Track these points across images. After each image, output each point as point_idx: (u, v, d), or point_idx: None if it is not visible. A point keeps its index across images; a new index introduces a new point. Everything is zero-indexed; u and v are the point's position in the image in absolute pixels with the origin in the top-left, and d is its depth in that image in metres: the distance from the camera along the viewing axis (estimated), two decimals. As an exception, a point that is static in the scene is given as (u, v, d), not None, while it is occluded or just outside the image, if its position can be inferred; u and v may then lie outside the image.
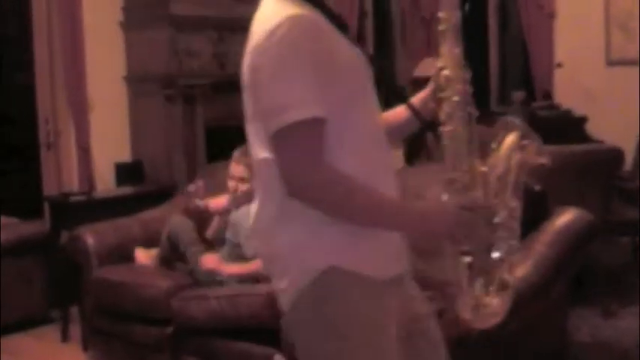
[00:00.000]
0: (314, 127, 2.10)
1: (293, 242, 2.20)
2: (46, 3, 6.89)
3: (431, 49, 10.16)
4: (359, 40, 9.44)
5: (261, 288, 4.17)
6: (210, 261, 4.64)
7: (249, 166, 4.42)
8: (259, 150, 2.23)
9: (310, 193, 2.12)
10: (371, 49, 9.85)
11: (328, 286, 2.18)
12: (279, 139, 2.11)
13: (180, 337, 4.56)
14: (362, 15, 9.60)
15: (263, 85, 2.14)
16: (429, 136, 8.21)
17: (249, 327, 4.25)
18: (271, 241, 2.25)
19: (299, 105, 2.09)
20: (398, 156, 9.19)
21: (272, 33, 2.11)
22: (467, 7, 10.14)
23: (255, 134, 2.24)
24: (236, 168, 4.67)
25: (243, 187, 4.59)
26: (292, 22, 2.12)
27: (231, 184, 4.73)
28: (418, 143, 8.65)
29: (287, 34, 2.11)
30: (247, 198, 4.43)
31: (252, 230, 2.33)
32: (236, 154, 4.68)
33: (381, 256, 2.27)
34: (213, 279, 4.57)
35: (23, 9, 7.01)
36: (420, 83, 10.13)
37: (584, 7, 8.34)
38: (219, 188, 5.29)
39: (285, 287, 2.24)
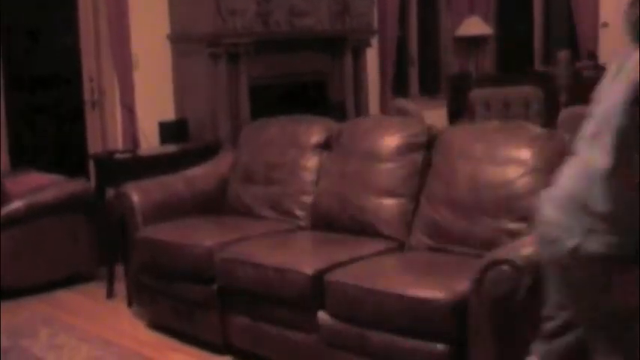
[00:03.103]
0: None
1: None
2: (90, -37, 6.94)
3: (474, 8, 10.10)
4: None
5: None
6: None
7: None
8: None
9: None
10: (415, 9, 9.81)
11: None
12: None
13: (226, 296, 4.54)
14: (405, -26, 9.55)
15: None
16: (472, 94, 8.19)
17: (291, 300, 4.19)
18: None
19: None
20: (441, 115, 9.16)
21: None
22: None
23: None
24: None
25: None
26: None
27: None
28: (461, 103, 8.62)
29: None
30: None
31: None
32: None
33: None
34: None
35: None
36: (462, 42, 10.09)
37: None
38: (262, 144, 5.31)
39: None
